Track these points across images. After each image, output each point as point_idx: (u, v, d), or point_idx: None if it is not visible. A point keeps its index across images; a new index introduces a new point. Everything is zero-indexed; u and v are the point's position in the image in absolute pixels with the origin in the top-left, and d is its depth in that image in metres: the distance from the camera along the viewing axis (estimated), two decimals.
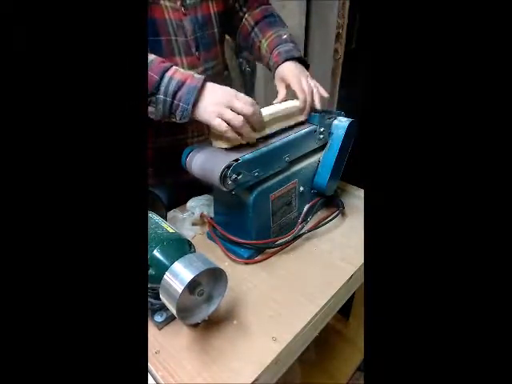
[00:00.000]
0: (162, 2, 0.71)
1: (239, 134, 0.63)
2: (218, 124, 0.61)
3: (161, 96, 0.62)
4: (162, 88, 0.61)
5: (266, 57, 0.85)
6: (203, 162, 0.64)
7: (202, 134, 0.89)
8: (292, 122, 0.75)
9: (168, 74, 0.62)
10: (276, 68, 0.81)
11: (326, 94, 0.79)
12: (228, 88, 0.65)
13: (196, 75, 0.63)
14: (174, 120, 0.65)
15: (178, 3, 0.74)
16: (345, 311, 1.18)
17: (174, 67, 0.64)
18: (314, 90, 0.77)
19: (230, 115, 0.61)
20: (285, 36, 0.83)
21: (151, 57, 0.64)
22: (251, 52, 0.92)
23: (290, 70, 0.78)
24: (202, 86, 0.62)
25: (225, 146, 0.65)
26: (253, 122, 0.63)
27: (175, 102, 0.62)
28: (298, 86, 0.75)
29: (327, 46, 1.50)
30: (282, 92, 0.79)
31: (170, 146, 0.85)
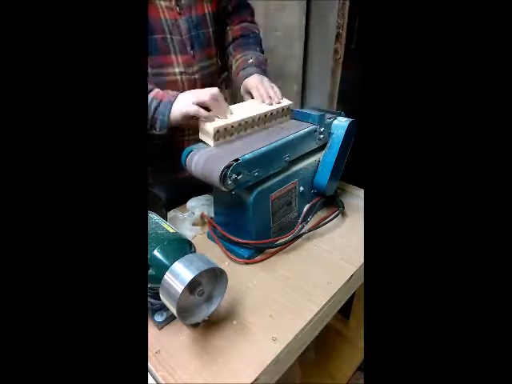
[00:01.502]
0: (156, 1, 0.73)
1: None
2: (194, 110, 0.68)
3: None
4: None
5: (234, 76, 0.91)
6: (203, 163, 0.64)
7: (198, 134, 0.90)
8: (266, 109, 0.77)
9: (151, 95, 0.72)
10: (240, 85, 0.87)
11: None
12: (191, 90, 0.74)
13: (171, 92, 0.73)
14: (154, 132, 0.73)
15: (173, 2, 0.75)
16: (345, 311, 1.18)
17: (156, 89, 0.73)
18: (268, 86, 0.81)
19: (199, 94, 0.69)
20: (250, 60, 0.88)
21: None
22: (228, 65, 0.97)
23: (249, 82, 0.83)
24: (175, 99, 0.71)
25: (212, 129, 0.67)
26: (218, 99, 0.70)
27: (154, 116, 0.71)
28: (254, 88, 0.81)
29: (327, 46, 1.49)
30: (247, 99, 0.85)
31: (167, 144, 0.86)
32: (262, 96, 0.78)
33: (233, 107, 0.75)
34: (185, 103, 0.70)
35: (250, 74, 0.85)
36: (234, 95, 1.04)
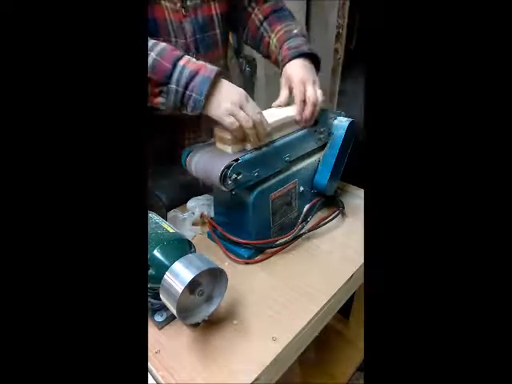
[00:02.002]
0: (162, 1, 0.71)
1: (243, 138, 0.63)
2: (231, 122, 0.60)
3: (173, 86, 0.59)
4: (175, 77, 0.59)
5: (275, 52, 0.81)
6: (203, 162, 0.64)
7: (200, 135, 0.89)
8: (293, 130, 0.74)
9: (181, 63, 0.60)
10: (283, 65, 0.76)
11: (321, 103, 0.74)
12: (241, 89, 0.64)
13: (209, 65, 0.61)
14: (184, 112, 0.63)
15: (178, 4, 0.73)
16: (345, 311, 1.18)
17: (187, 56, 0.61)
18: (311, 102, 0.72)
19: (242, 116, 0.60)
20: (295, 30, 0.78)
21: (162, 44, 0.61)
22: (259, 49, 0.88)
23: (296, 72, 0.73)
24: (216, 79, 0.60)
25: (229, 149, 0.64)
26: (258, 129, 0.62)
27: (187, 92, 0.59)
28: (299, 94, 0.71)
29: (327, 46, 1.50)
30: (283, 94, 0.76)
31: (167, 146, 0.85)
32: (300, 115, 0.72)
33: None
34: (227, 106, 0.60)
35: (298, 47, 0.74)
36: None
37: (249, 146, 0.65)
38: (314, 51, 0.77)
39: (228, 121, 0.60)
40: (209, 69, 0.60)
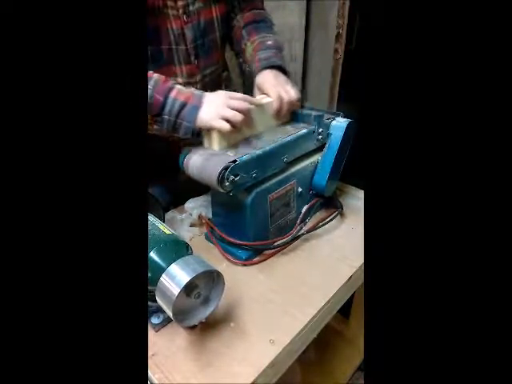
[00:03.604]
0: (164, 10, 0.71)
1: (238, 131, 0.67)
2: (221, 125, 0.64)
3: (165, 116, 0.66)
4: (167, 109, 0.65)
5: (249, 61, 0.85)
6: (201, 164, 0.64)
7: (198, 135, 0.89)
8: (279, 122, 0.76)
9: (172, 96, 0.66)
10: (255, 76, 0.80)
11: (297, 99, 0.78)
12: (220, 91, 0.69)
13: (196, 92, 0.67)
14: (176, 135, 0.69)
15: (181, 11, 0.74)
16: (345, 311, 1.18)
17: (177, 87, 0.67)
18: (286, 100, 0.74)
19: (229, 113, 0.64)
20: (269, 42, 0.82)
21: (155, 76, 0.67)
22: (240, 55, 0.91)
23: (267, 79, 0.77)
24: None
25: (217, 147, 0.67)
26: (247, 116, 0.67)
27: (178, 120, 0.66)
28: (275, 93, 0.74)
29: (327, 46, 1.49)
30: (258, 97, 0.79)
31: (165, 147, 0.85)
32: (278, 105, 0.74)
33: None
34: (212, 115, 0.65)
35: (268, 59, 0.78)
36: None
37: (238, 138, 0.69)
38: (283, 64, 0.81)
39: (218, 125, 0.64)
40: (196, 97, 0.67)
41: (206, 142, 0.69)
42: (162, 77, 0.68)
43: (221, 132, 0.65)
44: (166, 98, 0.65)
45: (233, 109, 0.65)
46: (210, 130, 0.66)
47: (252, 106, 0.69)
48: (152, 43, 0.72)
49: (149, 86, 0.65)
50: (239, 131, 0.68)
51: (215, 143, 0.67)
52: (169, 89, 0.66)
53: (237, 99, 0.67)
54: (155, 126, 0.68)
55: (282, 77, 0.79)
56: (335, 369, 1.15)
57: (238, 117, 0.64)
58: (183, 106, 0.65)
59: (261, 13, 0.89)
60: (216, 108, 0.65)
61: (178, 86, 0.68)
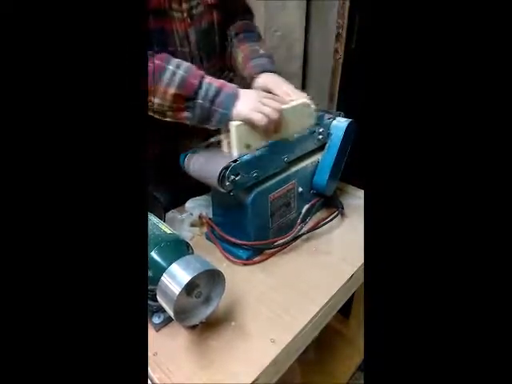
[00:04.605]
0: (169, 12, 0.72)
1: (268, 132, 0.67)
2: (259, 118, 0.63)
3: (199, 101, 0.64)
4: (202, 93, 0.63)
5: (240, 69, 0.86)
6: (202, 164, 0.64)
7: (198, 135, 0.89)
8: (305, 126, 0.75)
9: (206, 80, 0.64)
10: (253, 78, 0.81)
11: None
12: (255, 90, 0.71)
13: (228, 84, 0.66)
14: (207, 125, 0.67)
15: (185, 14, 0.74)
16: (345, 311, 1.18)
17: (209, 76, 0.66)
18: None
19: (267, 109, 0.64)
20: (262, 51, 0.84)
21: (187, 63, 0.66)
22: (230, 63, 0.92)
23: (270, 80, 0.78)
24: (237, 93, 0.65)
25: (236, 152, 0.65)
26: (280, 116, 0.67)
27: (213, 107, 0.64)
28: (280, 90, 0.75)
29: (327, 46, 1.49)
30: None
31: (175, 150, 0.85)
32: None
33: None
34: (251, 106, 0.64)
35: (263, 65, 0.80)
36: None
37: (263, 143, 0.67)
38: (277, 71, 0.83)
39: (257, 118, 0.63)
40: (231, 86, 0.66)
41: (225, 147, 0.67)
42: (194, 65, 0.66)
43: (243, 136, 0.64)
44: (200, 82, 0.64)
45: (268, 106, 0.64)
46: (240, 124, 0.64)
47: (285, 107, 0.68)
48: (158, 45, 0.73)
49: (180, 71, 0.63)
50: (267, 134, 0.67)
51: (235, 147, 0.65)
52: (203, 74, 0.65)
53: (271, 99, 0.67)
54: (186, 114, 0.65)
55: (281, 78, 0.80)
56: (335, 369, 1.15)
57: (274, 114, 0.64)
58: (219, 91, 0.64)
59: (250, 24, 0.92)
60: (254, 101, 0.64)
61: (210, 76, 0.66)
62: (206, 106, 0.64)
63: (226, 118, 0.64)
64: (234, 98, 0.64)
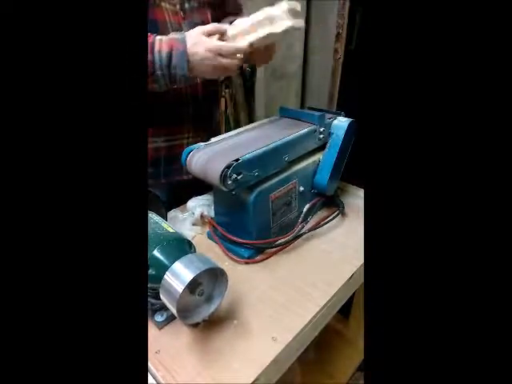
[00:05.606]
0: (162, 3, 0.73)
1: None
2: (215, 45, 0.66)
3: (158, 72, 0.67)
4: (157, 64, 0.67)
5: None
6: (203, 162, 0.64)
7: (198, 135, 0.91)
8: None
9: (156, 50, 0.66)
10: None
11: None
12: (196, 30, 0.68)
13: (176, 36, 0.68)
14: (177, 86, 0.71)
15: (178, 6, 0.76)
16: (345, 311, 1.18)
17: (157, 38, 0.67)
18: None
19: (225, 62, 0.67)
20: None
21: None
22: None
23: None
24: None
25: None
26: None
27: (172, 71, 0.67)
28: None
29: (327, 46, 1.50)
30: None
31: (167, 146, 0.86)
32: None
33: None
34: (204, 61, 0.66)
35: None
36: (234, 95, 1.04)
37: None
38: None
39: (216, 63, 0.66)
40: (179, 41, 0.67)
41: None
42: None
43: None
44: (153, 54, 0.66)
45: (226, 54, 0.66)
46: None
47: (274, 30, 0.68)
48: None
49: None
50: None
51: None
52: (152, 44, 0.67)
53: (219, 47, 0.66)
54: (155, 85, 0.70)
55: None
56: (335, 369, 1.15)
57: (233, 64, 0.67)
58: (170, 56, 0.66)
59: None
60: (206, 52, 0.65)
61: (158, 37, 0.68)
62: (165, 74, 0.68)
63: (186, 78, 0.69)
64: (185, 55, 0.66)
